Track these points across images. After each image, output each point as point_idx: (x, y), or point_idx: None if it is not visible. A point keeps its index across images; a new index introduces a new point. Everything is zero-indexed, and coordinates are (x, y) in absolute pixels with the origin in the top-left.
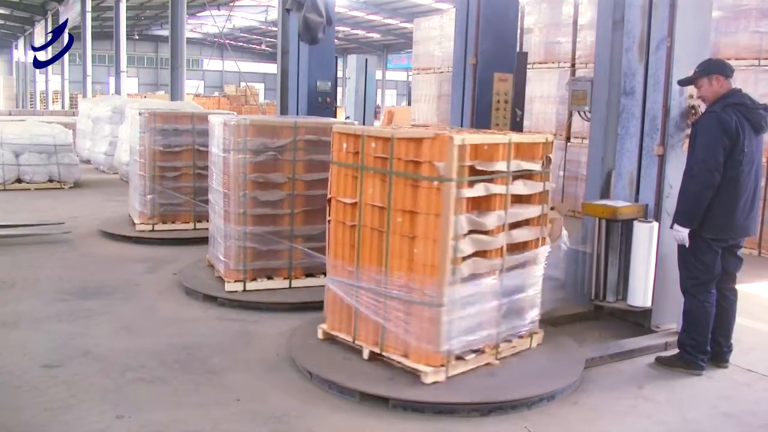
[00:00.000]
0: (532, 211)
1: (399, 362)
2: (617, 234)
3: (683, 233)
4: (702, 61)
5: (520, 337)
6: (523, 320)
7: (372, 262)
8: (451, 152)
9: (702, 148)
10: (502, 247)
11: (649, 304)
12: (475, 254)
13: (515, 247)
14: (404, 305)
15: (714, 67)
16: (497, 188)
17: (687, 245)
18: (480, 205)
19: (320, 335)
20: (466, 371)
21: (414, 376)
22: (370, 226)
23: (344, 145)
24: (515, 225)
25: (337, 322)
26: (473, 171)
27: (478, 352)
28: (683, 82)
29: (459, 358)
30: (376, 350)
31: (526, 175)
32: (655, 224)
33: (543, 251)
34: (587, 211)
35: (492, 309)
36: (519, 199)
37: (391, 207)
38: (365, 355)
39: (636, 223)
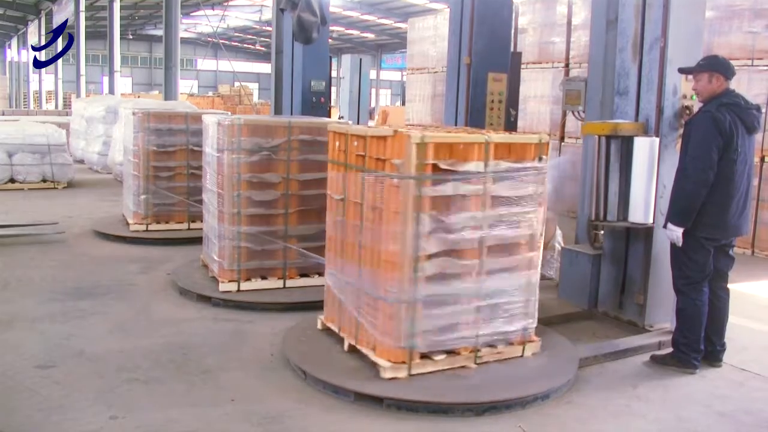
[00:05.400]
0: (519, 213)
1: (367, 356)
2: (617, 151)
3: (677, 233)
4: (708, 56)
5: (510, 344)
6: (511, 326)
7: (352, 257)
8: (408, 150)
9: (696, 146)
10: (480, 249)
11: (650, 220)
12: (446, 253)
13: (501, 250)
14: (372, 300)
15: (718, 66)
16: (470, 188)
17: (680, 244)
18: (449, 204)
19: (319, 326)
20: (455, 368)
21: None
22: (351, 221)
23: (336, 144)
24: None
25: (329, 313)
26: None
27: (452, 353)
28: (684, 71)
29: (426, 356)
30: (353, 342)
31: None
32: (656, 139)
33: (536, 256)
34: (587, 131)
35: (468, 311)
36: (508, 201)
37: (364, 204)
38: (345, 347)
39: (636, 139)
